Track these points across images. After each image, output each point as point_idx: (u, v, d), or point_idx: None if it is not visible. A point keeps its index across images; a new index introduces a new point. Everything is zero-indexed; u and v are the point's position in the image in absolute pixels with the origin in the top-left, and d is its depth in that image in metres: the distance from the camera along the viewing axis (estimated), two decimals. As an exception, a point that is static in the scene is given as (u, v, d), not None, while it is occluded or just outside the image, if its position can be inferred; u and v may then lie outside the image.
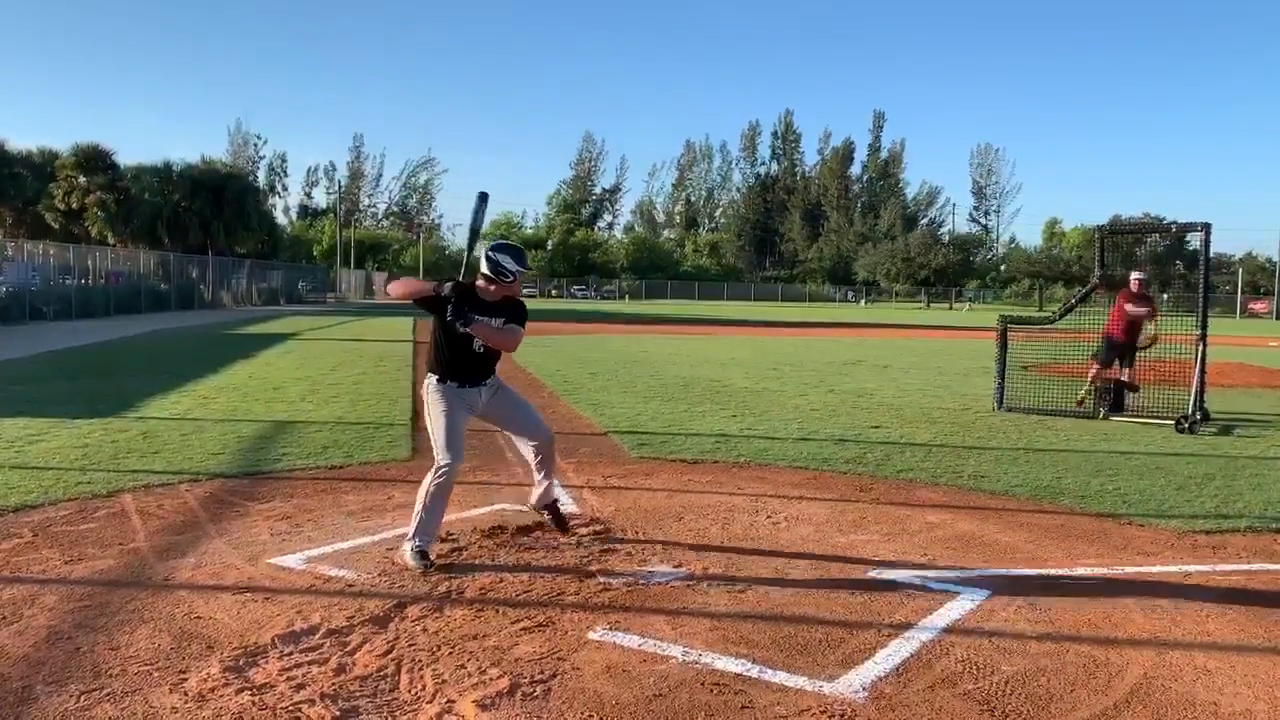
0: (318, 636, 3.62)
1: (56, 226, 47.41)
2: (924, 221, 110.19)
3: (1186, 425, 9.39)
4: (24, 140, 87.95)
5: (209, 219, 47.82)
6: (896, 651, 3.59)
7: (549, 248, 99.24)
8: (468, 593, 4.17)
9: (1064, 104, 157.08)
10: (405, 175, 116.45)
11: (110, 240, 45.81)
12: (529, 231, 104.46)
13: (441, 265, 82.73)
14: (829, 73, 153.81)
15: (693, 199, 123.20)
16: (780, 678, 3.33)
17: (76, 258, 34.85)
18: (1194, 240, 10.54)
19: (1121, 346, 10.57)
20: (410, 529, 4.52)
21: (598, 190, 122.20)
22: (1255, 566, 4.94)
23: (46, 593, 4.09)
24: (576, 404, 10.70)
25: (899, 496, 6.36)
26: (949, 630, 3.84)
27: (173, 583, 4.25)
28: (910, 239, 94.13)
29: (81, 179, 47.37)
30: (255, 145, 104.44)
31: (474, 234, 4.85)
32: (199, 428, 8.49)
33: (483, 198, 4.79)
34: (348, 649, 3.51)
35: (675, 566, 4.62)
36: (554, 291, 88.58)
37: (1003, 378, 10.93)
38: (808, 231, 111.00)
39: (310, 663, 3.38)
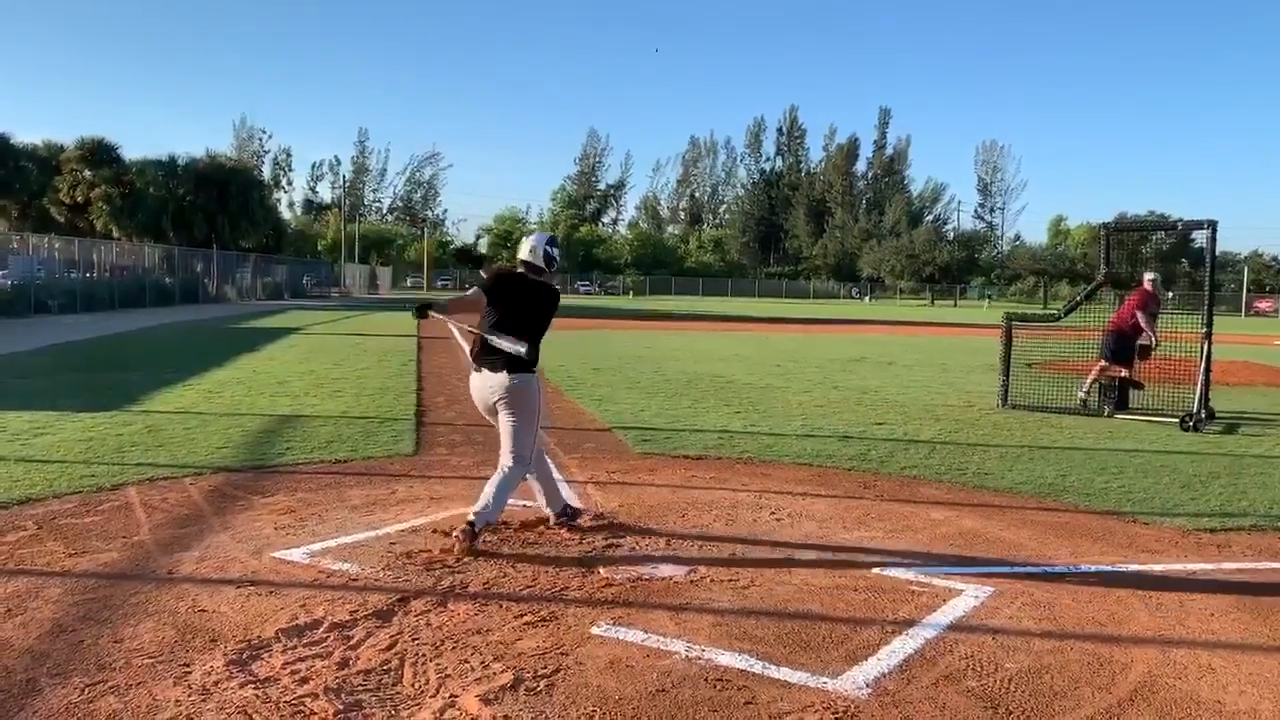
0: (321, 630, 3.63)
1: (62, 220, 47.56)
2: (929, 218, 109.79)
3: (1191, 423, 9.38)
4: (29, 134, 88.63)
5: (214, 213, 47.95)
6: (900, 648, 3.59)
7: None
8: (471, 587, 4.18)
9: (1070, 101, 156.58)
10: (410, 170, 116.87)
11: (115, 234, 45.87)
12: (533, 227, 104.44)
13: (444, 261, 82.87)
14: (834, 69, 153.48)
15: (697, 195, 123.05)
16: (783, 674, 3.33)
17: (81, 251, 34.91)
18: (1199, 238, 10.52)
19: (1130, 342, 10.54)
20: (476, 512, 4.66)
21: (602, 186, 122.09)
22: (1260, 565, 4.93)
23: (51, 585, 4.10)
24: (580, 399, 10.70)
25: (903, 493, 6.36)
26: (953, 627, 3.84)
27: (177, 576, 4.26)
28: (915, 236, 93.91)
29: (87, 173, 47.49)
30: (260, 140, 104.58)
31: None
32: (203, 422, 8.51)
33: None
34: (351, 643, 3.51)
35: (678, 562, 4.62)
36: (558, 287, 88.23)
37: (1007, 375, 10.92)
38: (812, 228, 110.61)
39: (314, 656, 3.38)
